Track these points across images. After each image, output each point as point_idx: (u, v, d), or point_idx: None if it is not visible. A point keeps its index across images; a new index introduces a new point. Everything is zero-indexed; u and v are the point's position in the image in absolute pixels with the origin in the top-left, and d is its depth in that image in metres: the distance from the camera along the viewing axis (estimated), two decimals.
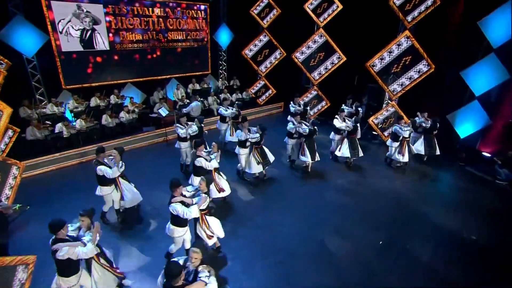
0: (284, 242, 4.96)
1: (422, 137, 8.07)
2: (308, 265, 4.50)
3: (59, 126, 7.73)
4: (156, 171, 7.19)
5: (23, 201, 5.80)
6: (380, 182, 7.15)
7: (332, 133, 7.92)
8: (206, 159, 5.10)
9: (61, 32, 8.26)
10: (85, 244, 3.18)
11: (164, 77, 10.94)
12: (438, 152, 8.04)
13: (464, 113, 8.25)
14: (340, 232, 5.28)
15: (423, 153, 7.98)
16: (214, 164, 5.08)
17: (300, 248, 4.85)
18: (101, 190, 5.10)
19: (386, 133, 9.20)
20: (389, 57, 8.43)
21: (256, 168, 6.57)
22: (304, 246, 4.89)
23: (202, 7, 11.21)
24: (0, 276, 3.17)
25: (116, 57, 9.52)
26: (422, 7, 7.82)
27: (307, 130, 6.87)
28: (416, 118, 8.05)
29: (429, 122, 7.79)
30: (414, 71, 8.41)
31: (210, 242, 4.23)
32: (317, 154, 7.16)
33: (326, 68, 10.41)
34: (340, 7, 9.60)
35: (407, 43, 8.20)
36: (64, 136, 7.72)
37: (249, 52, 11.80)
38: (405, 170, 7.80)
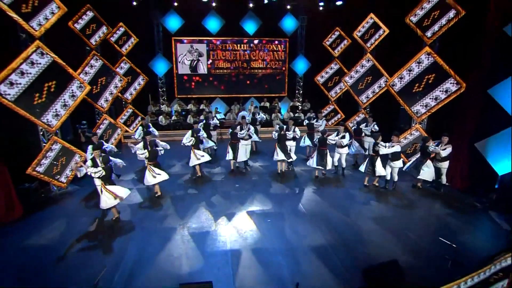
0: None
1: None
2: None
3: (160, 118, 12.54)
4: None
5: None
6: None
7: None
8: None
9: (179, 62, 13.42)
10: None
11: (245, 95, 14.34)
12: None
13: (499, 142, 6.52)
14: None
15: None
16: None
17: None
18: None
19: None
20: (409, 75, 8.02)
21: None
22: None
23: (282, 41, 13.99)
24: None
25: (210, 78, 13.92)
26: (443, 21, 7.26)
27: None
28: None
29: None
30: (440, 91, 7.59)
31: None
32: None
33: (373, 92, 10.47)
34: (387, 31, 9.78)
35: (428, 60, 7.66)
36: (161, 124, 12.39)
37: (320, 78, 13.28)
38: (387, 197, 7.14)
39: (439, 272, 4.65)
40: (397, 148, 6.99)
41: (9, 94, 5.78)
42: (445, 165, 7.12)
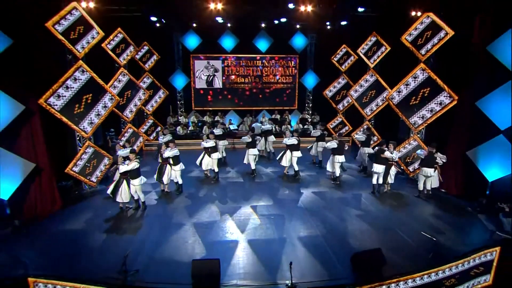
0: None
1: None
2: None
3: (178, 128, 13.73)
4: None
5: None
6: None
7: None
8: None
9: (196, 77, 14.73)
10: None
11: (257, 108, 15.40)
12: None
13: (488, 150, 7.13)
14: None
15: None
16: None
17: None
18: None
19: (411, 168, 8.97)
20: (406, 89, 8.78)
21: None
22: None
23: (293, 57, 15.09)
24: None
25: (225, 92, 15.14)
26: (435, 40, 8.06)
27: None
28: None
29: None
30: (435, 103, 8.30)
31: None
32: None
33: (377, 105, 11.24)
34: (388, 48, 10.64)
35: (423, 75, 8.42)
36: (179, 134, 13.57)
37: (329, 92, 14.14)
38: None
39: (420, 262, 5.28)
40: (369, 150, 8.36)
41: (56, 105, 7.03)
42: (423, 172, 7.84)
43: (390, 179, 8.23)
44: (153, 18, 11.95)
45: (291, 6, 10.51)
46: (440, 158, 7.64)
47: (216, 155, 9.24)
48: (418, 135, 8.93)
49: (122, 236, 6.16)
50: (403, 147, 9.13)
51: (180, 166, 8.33)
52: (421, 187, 7.97)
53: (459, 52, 8.01)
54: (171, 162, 8.18)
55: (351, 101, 13.21)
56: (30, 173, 6.46)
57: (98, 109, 8.07)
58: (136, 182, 7.20)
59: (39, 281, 4.57)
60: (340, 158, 8.84)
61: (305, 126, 14.48)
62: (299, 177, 9.40)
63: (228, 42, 14.17)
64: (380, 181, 8.19)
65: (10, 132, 6.07)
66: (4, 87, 5.89)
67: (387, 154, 7.88)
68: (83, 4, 8.02)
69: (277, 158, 9.64)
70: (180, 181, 8.36)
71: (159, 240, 5.95)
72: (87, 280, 4.57)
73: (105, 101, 8.23)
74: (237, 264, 5.20)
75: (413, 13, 9.18)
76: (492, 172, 7.12)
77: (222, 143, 10.61)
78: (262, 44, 14.45)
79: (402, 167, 9.23)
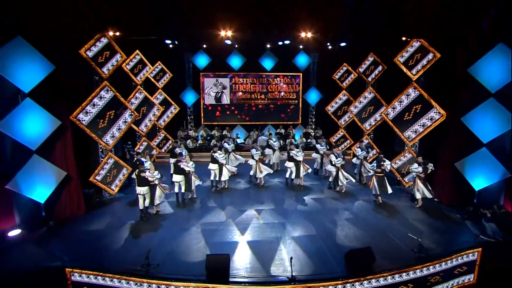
0: None
1: None
2: None
3: (188, 142, 14.68)
4: None
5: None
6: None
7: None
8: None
9: (206, 94, 15.81)
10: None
11: (263, 123, 16.35)
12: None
13: (473, 161, 7.85)
14: None
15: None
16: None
17: None
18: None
19: (406, 179, 9.66)
20: (400, 106, 9.61)
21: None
22: None
23: (296, 75, 16.11)
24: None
25: (232, 108, 16.14)
26: (424, 61, 8.96)
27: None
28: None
29: None
30: (426, 119, 9.10)
31: None
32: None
33: (375, 120, 12.08)
34: (385, 67, 11.58)
35: (414, 93, 9.27)
36: (189, 147, 14.50)
37: (331, 108, 15.02)
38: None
39: (409, 262, 5.95)
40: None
41: (84, 120, 8.03)
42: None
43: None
44: (167, 41, 13.14)
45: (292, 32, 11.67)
46: (413, 170, 8.59)
47: (212, 166, 10.02)
48: (412, 148, 9.69)
49: (141, 237, 6.99)
50: (398, 159, 9.88)
51: (179, 177, 8.93)
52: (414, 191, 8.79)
53: (446, 72, 8.87)
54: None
55: (352, 117, 14.13)
56: (61, 181, 7.37)
57: (119, 124, 9.02)
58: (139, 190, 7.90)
59: (75, 271, 5.39)
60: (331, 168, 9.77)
61: (308, 140, 15.32)
62: (294, 184, 10.36)
63: (235, 61, 15.26)
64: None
65: (47, 144, 7.04)
66: (46, 105, 6.90)
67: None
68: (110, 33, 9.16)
69: None
70: (182, 190, 9.02)
71: (175, 240, 6.75)
72: (116, 271, 5.38)
73: (125, 117, 9.19)
74: (244, 259, 5.97)
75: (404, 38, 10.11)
76: (478, 182, 7.81)
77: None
78: (268, 63, 15.50)
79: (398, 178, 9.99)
